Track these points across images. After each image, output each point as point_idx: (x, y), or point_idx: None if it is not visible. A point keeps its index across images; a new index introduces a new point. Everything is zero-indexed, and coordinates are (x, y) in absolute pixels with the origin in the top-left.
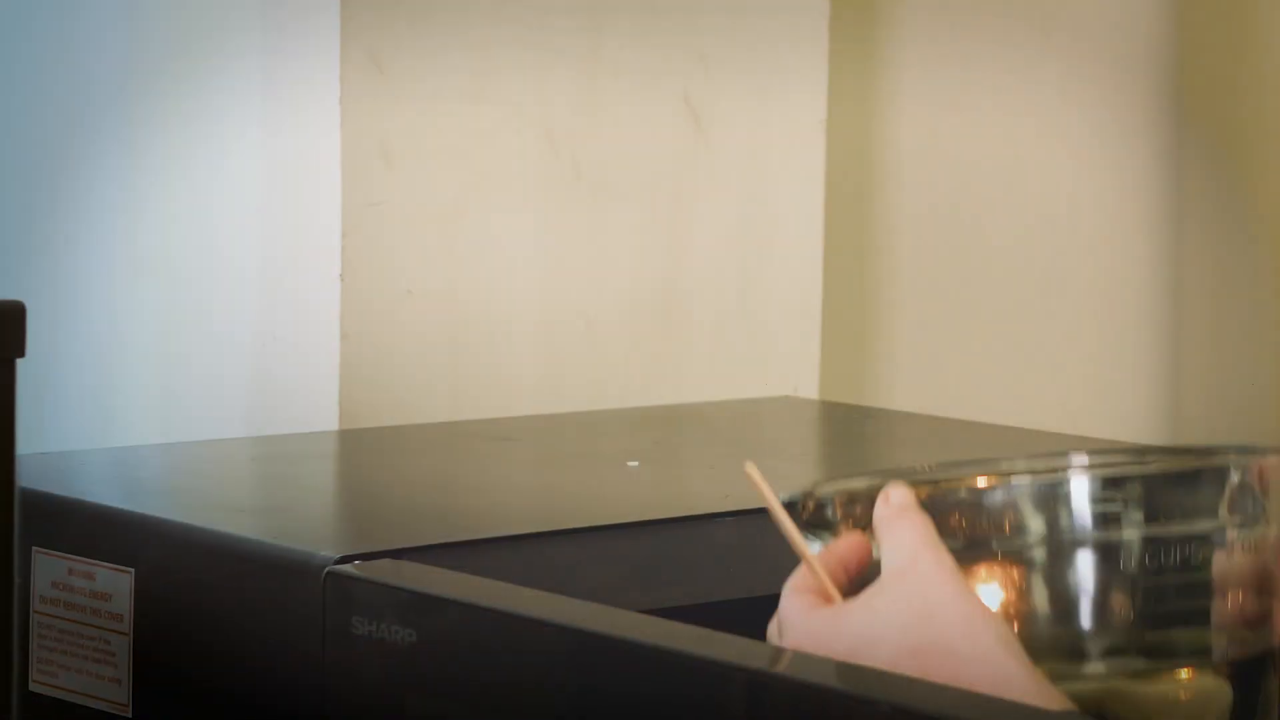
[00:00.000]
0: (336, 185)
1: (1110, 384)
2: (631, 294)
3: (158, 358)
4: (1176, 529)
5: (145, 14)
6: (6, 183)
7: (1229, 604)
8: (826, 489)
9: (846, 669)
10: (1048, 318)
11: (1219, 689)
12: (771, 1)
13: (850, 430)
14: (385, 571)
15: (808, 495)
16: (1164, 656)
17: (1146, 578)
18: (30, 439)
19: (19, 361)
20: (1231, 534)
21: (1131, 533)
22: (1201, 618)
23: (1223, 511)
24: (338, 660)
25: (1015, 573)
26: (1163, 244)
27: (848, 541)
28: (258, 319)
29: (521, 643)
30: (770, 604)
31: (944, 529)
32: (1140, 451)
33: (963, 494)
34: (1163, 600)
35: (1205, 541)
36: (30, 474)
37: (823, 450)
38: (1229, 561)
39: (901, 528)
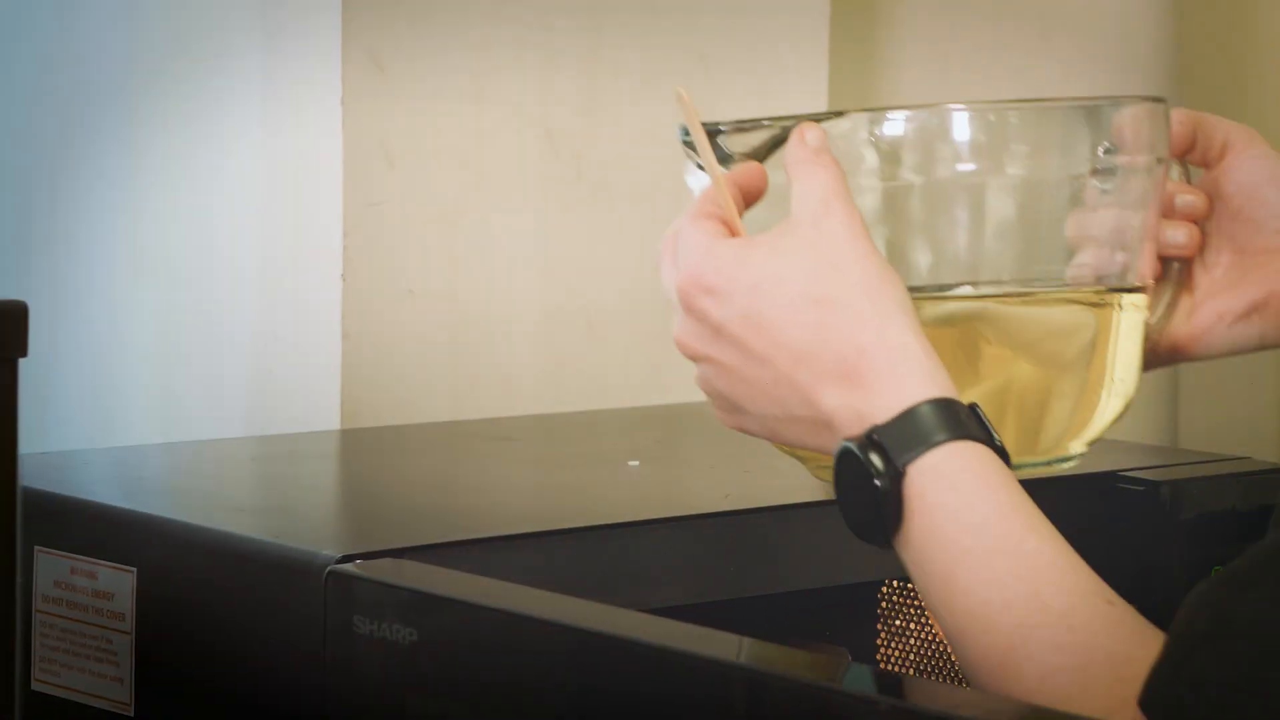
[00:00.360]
0: (338, 185)
1: None
2: (631, 294)
3: (158, 358)
4: (1050, 166)
5: (145, 14)
6: (6, 183)
7: (1097, 240)
8: (725, 121)
9: (846, 668)
10: None
11: (1083, 315)
12: (771, 1)
13: None
14: (386, 571)
15: (708, 125)
16: (1034, 285)
17: (1020, 211)
18: (31, 439)
19: (20, 361)
20: (1103, 176)
21: (1007, 168)
22: (1070, 252)
23: (1097, 153)
24: (339, 660)
25: (896, 201)
26: None
27: (747, 170)
28: (258, 319)
29: (522, 642)
30: (772, 604)
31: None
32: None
33: (845, 126)
34: (1034, 232)
35: (1076, 180)
36: (32, 473)
37: None
38: (1097, 201)
39: (815, 172)
